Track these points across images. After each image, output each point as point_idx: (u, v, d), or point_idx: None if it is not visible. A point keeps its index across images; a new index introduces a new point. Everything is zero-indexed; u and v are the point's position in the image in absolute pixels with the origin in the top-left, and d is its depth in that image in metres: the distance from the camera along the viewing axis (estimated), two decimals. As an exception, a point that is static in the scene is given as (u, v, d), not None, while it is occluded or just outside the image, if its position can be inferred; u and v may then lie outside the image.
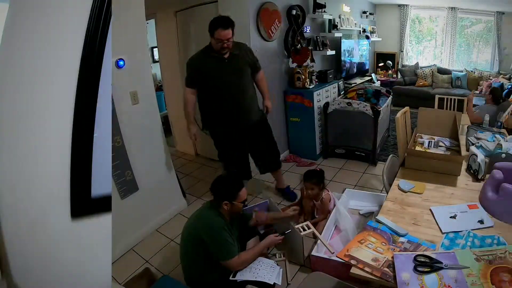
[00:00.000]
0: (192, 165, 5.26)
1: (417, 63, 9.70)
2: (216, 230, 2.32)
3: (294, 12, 4.98)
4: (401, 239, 1.97)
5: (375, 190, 4.30)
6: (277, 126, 4.90)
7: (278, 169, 4.11)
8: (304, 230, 2.97)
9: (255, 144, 3.75)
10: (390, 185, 2.74)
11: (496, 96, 4.77)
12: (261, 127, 3.72)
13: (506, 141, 3.04)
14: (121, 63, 2.96)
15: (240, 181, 2.51)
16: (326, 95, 5.31)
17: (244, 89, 3.46)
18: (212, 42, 3.12)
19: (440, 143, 3.39)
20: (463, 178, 2.76)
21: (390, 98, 5.85)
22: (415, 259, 1.71)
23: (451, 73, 8.88)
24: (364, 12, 8.68)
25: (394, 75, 9.76)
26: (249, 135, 3.63)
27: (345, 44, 6.69)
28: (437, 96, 5.73)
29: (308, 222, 3.07)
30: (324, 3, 5.61)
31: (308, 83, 5.03)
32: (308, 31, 5.50)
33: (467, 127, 3.72)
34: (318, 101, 5.05)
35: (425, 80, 9.02)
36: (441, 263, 1.67)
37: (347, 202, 3.81)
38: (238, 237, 2.57)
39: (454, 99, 5.44)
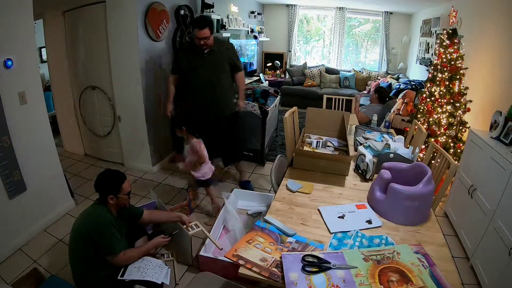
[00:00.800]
0: (81, 165, 5.44)
1: (305, 63, 10.32)
2: (103, 225, 2.45)
3: (182, 12, 5.20)
4: (289, 239, 2.05)
5: (263, 190, 4.64)
6: (165, 126, 5.39)
7: (229, 165, 4.85)
8: (193, 229, 3.09)
9: (218, 137, 4.25)
10: (278, 185, 2.85)
11: (382, 95, 5.29)
12: (227, 122, 4.31)
13: (394, 141, 3.34)
14: (9, 63, 3.11)
15: (121, 174, 2.65)
16: (213, 95, 5.59)
17: (217, 83, 4.03)
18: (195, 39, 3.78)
19: (328, 143, 3.55)
20: (351, 178, 2.96)
21: (278, 98, 6.16)
22: (303, 259, 1.79)
23: (339, 73, 9.63)
24: (252, 12, 9.09)
25: (282, 75, 10.37)
26: (214, 127, 4.15)
27: (233, 44, 6.93)
28: (325, 96, 6.10)
29: (197, 222, 3.18)
30: (212, 3, 5.88)
31: (196, 83, 5.31)
32: (196, 31, 5.76)
33: (355, 127, 4.08)
34: (206, 101, 5.30)
35: (313, 80, 9.63)
36: (329, 263, 1.77)
37: (236, 202, 3.99)
38: (126, 235, 2.75)
39: (342, 99, 5.87)
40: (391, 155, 3.01)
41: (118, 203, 2.60)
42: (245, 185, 4.73)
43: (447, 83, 4.45)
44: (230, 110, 4.27)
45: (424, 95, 4.84)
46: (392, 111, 4.63)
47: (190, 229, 3.09)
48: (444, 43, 4.48)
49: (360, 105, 5.91)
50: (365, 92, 8.80)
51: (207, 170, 3.84)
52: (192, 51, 3.89)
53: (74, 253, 2.54)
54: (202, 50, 3.84)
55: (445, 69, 4.46)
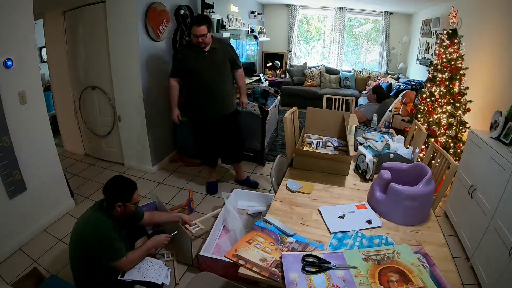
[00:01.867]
0: (81, 165, 5.45)
1: (305, 63, 10.30)
2: (104, 233, 2.43)
3: (182, 12, 5.20)
4: (289, 239, 2.05)
5: (263, 190, 4.64)
6: (165, 126, 5.46)
7: (238, 163, 4.75)
8: (194, 228, 3.15)
9: (222, 135, 4.32)
10: (279, 185, 2.84)
11: (380, 95, 5.31)
12: (230, 120, 4.32)
13: (394, 141, 3.34)
14: (10, 63, 3.11)
15: (133, 183, 2.65)
16: (213, 95, 5.59)
17: (221, 81, 4.04)
18: (192, 38, 3.78)
19: (328, 143, 3.55)
20: (351, 178, 2.96)
21: (278, 98, 6.17)
22: (303, 259, 1.79)
23: (339, 73, 9.63)
24: (253, 12, 9.09)
25: (282, 75, 10.35)
26: (219, 126, 4.21)
27: (233, 44, 6.73)
28: (325, 96, 6.07)
29: (196, 221, 3.23)
30: (212, 3, 5.88)
31: (196, 82, 5.31)
32: (196, 31, 5.75)
33: (355, 127, 4.08)
34: (206, 101, 5.31)
35: (313, 80, 9.63)
36: (329, 263, 1.77)
37: (236, 202, 3.99)
38: (126, 236, 2.74)
39: (342, 99, 5.83)
40: (391, 155, 3.01)
41: (125, 212, 2.58)
42: (248, 182, 4.81)
43: (447, 83, 4.44)
44: (232, 107, 4.29)
45: (424, 95, 4.84)
46: (390, 109, 4.57)
47: (191, 228, 3.12)
48: (444, 43, 4.47)
49: (359, 104, 5.91)
50: (365, 92, 8.79)
51: None
52: (192, 51, 3.86)
53: (75, 254, 2.53)
54: (202, 49, 3.81)
55: (445, 69, 4.45)
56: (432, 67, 4.76)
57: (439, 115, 4.56)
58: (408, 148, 3.26)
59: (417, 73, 8.18)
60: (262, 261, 1.84)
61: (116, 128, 5.20)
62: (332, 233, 2.15)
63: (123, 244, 2.57)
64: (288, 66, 10.56)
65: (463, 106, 4.43)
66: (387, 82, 8.28)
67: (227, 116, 4.22)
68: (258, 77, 8.79)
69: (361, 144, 3.43)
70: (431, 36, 7.25)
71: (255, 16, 9.20)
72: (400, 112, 5.40)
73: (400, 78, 8.54)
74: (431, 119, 4.64)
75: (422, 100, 4.89)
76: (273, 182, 2.98)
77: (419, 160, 3.68)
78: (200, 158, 4.78)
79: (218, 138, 4.32)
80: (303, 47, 11.36)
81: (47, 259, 3.28)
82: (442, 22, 6.32)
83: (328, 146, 3.52)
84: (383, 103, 5.17)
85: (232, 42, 6.93)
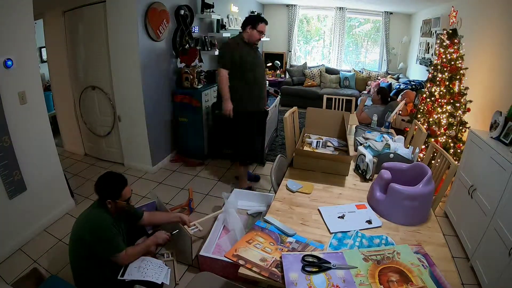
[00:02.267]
0: (81, 165, 5.46)
1: (305, 63, 10.31)
2: (103, 228, 2.44)
3: (182, 12, 5.20)
4: (289, 239, 2.04)
5: (263, 190, 4.64)
6: (165, 126, 5.47)
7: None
8: (193, 229, 3.15)
9: (259, 127, 4.60)
10: (278, 185, 2.84)
11: (384, 96, 5.29)
12: (264, 114, 4.72)
13: (394, 141, 3.33)
14: (9, 63, 3.11)
15: (122, 179, 2.63)
16: (214, 95, 5.59)
17: (264, 76, 4.35)
18: (253, 33, 4.02)
19: (328, 143, 3.55)
20: (351, 178, 2.96)
21: (278, 98, 6.21)
22: (303, 259, 1.79)
23: (339, 73, 9.62)
24: (253, 12, 8.97)
25: (282, 75, 10.34)
26: (259, 120, 4.53)
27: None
28: (325, 96, 6.13)
29: (195, 222, 3.24)
30: (212, 3, 5.89)
31: (196, 83, 5.29)
32: (196, 31, 5.76)
33: (355, 127, 4.09)
34: (206, 101, 5.31)
35: (313, 80, 9.62)
36: (329, 263, 1.76)
37: (236, 202, 3.96)
38: (126, 234, 2.75)
39: (342, 99, 5.89)
40: (391, 155, 3.01)
41: (116, 208, 2.58)
42: (250, 175, 4.88)
43: (447, 83, 4.44)
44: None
45: (424, 95, 4.84)
46: (395, 112, 4.57)
47: (189, 230, 3.11)
48: (444, 43, 4.47)
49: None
50: (365, 92, 8.83)
51: None
52: (246, 45, 4.06)
53: (74, 255, 2.54)
54: (252, 45, 4.09)
55: (445, 69, 4.45)
56: (432, 67, 4.76)
57: (439, 115, 4.55)
58: (408, 148, 3.25)
59: (417, 73, 8.18)
60: (262, 261, 1.84)
61: (116, 128, 5.20)
62: (332, 233, 2.14)
63: (122, 239, 2.58)
64: (288, 66, 10.54)
65: (463, 106, 4.43)
66: (387, 82, 8.27)
67: (263, 110, 4.55)
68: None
69: (361, 144, 3.43)
70: (431, 36, 7.25)
71: (255, 16, 9.10)
72: (400, 112, 5.40)
73: (400, 78, 8.54)
74: (431, 119, 4.63)
75: (422, 100, 4.90)
76: (273, 182, 2.98)
77: (419, 160, 3.67)
78: (248, 158, 4.59)
79: (257, 130, 4.54)
80: (303, 47, 11.34)
81: (47, 259, 3.28)
82: (442, 22, 6.32)
83: (328, 146, 3.51)
84: (388, 105, 5.11)
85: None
